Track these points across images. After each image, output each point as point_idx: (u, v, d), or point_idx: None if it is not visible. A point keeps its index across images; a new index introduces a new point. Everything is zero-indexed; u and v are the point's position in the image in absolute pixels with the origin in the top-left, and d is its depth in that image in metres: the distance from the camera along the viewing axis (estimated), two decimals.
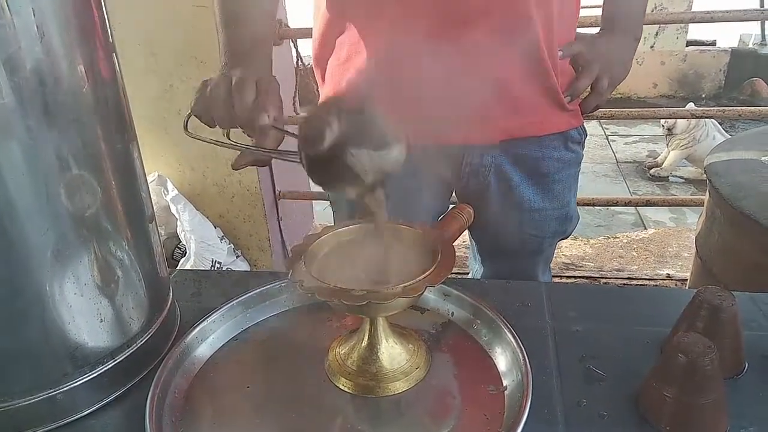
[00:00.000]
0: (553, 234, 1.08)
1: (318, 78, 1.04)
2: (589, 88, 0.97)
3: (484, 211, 1.04)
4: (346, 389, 0.67)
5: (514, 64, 0.89)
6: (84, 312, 0.63)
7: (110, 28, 0.65)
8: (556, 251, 1.22)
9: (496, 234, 1.09)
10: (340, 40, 0.94)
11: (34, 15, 0.53)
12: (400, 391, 0.66)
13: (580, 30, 1.00)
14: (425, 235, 0.68)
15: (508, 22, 0.86)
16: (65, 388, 0.64)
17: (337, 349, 0.70)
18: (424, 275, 0.61)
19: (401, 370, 0.67)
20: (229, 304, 0.77)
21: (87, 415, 0.66)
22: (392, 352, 0.68)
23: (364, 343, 0.68)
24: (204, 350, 0.73)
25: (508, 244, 1.09)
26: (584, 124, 1.05)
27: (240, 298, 0.78)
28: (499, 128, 0.96)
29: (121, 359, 0.68)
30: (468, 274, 1.39)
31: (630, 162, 4.37)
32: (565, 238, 1.13)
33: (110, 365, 0.67)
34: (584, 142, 1.05)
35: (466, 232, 1.18)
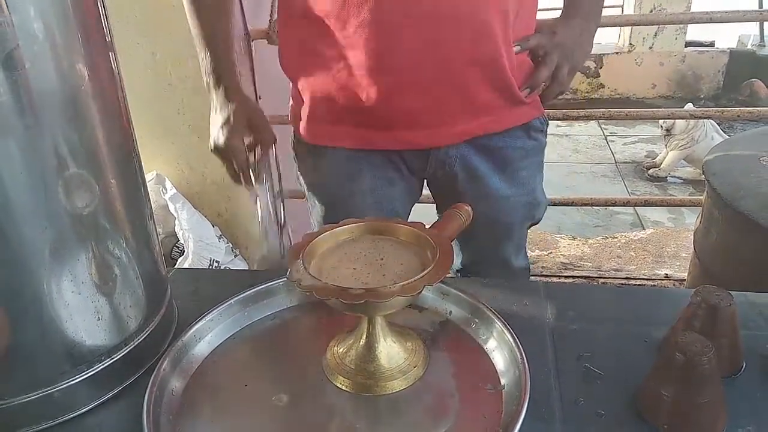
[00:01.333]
0: (521, 220, 1.12)
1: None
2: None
3: (454, 200, 1.06)
4: (344, 388, 0.67)
5: (472, 68, 0.91)
6: (82, 310, 0.63)
7: (109, 26, 0.65)
8: (554, 251, 1.23)
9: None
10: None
11: (32, 13, 0.53)
12: (398, 389, 0.66)
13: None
14: (424, 234, 0.68)
15: (467, 27, 0.87)
16: (63, 386, 0.63)
17: (335, 348, 0.70)
18: (422, 274, 0.61)
19: (399, 368, 0.67)
20: (227, 303, 0.77)
21: (84, 413, 0.66)
22: (390, 351, 0.68)
23: (362, 341, 0.68)
24: (202, 349, 0.73)
25: (480, 231, 1.10)
26: (545, 112, 1.08)
27: (238, 297, 0.78)
28: (459, 131, 0.99)
29: (118, 357, 0.68)
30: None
31: (628, 162, 4.37)
32: (536, 224, 1.16)
33: (108, 363, 0.67)
34: (546, 130, 1.09)
35: None
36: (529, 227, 1.17)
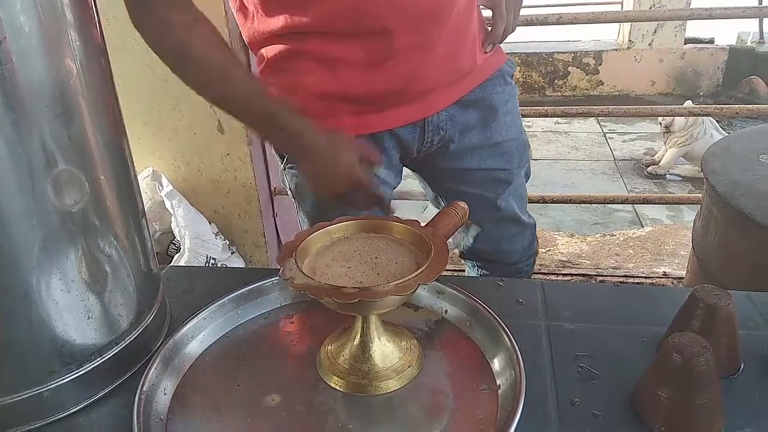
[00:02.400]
0: (518, 164, 1.15)
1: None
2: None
3: (450, 163, 1.12)
4: (337, 387, 0.66)
5: (453, 35, 0.96)
6: (71, 309, 0.62)
7: (99, 20, 0.64)
8: (552, 249, 1.22)
9: (466, 182, 1.14)
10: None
11: (19, 6, 0.52)
12: (392, 389, 0.65)
13: None
14: (418, 232, 0.67)
15: (441, 17, 0.93)
16: (52, 386, 0.63)
17: (329, 347, 0.70)
18: (416, 273, 0.60)
19: (393, 368, 0.67)
20: (220, 301, 0.76)
21: (74, 412, 0.65)
22: (384, 351, 0.67)
23: (356, 341, 0.67)
24: (194, 348, 0.73)
25: (481, 186, 1.14)
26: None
27: (231, 295, 0.77)
28: (450, 94, 1.03)
29: (109, 356, 0.67)
30: (464, 271, 1.38)
31: (627, 160, 4.36)
32: (528, 175, 1.21)
33: (98, 362, 0.66)
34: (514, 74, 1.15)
35: (441, 201, 1.20)
36: (526, 180, 1.21)
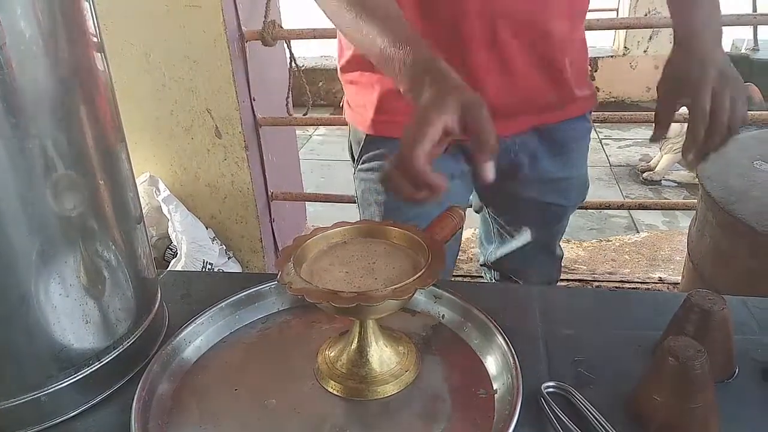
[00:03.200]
0: (575, 201, 1.14)
1: (345, 83, 1.04)
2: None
3: (510, 186, 1.08)
4: (335, 392, 0.66)
5: (535, 73, 0.93)
6: (69, 313, 0.62)
7: (98, 26, 0.64)
8: None
9: (521, 208, 1.13)
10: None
11: (19, 11, 0.52)
12: (389, 394, 0.66)
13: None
14: (416, 237, 0.68)
15: (530, 37, 0.89)
16: (50, 390, 0.63)
17: (327, 352, 0.70)
18: (414, 277, 0.60)
19: (391, 372, 0.67)
20: (218, 306, 0.77)
21: (72, 417, 0.65)
22: (382, 355, 0.67)
23: (354, 345, 0.67)
24: (192, 352, 0.73)
25: (533, 216, 1.13)
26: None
27: (229, 300, 0.78)
28: (527, 121, 0.99)
29: (107, 361, 0.67)
30: (463, 275, 1.39)
31: (623, 166, 4.37)
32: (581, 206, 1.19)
33: (96, 367, 0.66)
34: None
35: (484, 211, 1.20)
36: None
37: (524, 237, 1.19)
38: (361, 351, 0.67)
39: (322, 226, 0.71)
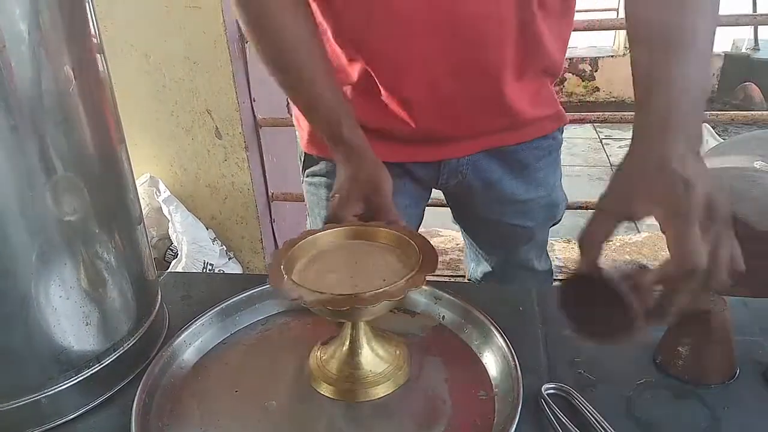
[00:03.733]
0: (543, 222, 1.08)
1: None
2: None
3: (471, 207, 1.05)
4: (327, 395, 0.66)
5: (473, 104, 0.89)
6: (70, 315, 0.62)
7: (98, 27, 0.64)
8: (549, 254, 1.22)
9: (486, 229, 1.10)
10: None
11: (18, 13, 0.52)
12: (381, 395, 0.65)
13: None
14: (405, 237, 0.68)
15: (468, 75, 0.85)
16: (50, 392, 0.63)
17: (318, 354, 0.70)
18: (406, 277, 0.60)
19: (383, 374, 0.66)
20: (218, 307, 0.77)
21: (72, 419, 0.65)
22: (374, 356, 0.67)
23: (346, 347, 0.67)
24: (192, 354, 0.73)
25: (500, 237, 1.09)
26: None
27: (229, 302, 0.78)
28: (473, 144, 0.95)
29: (107, 363, 0.67)
30: (463, 276, 1.39)
31: None
32: (557, 224, 1.12)
33: (96, 369, 0.66)
34: (563, 127, 1.03)
35: (461, 231, 1.19)
36: (551, 227, 1.14)
37: (494, 257, 1.16)
38: (353, 353, 0.67)
39: (312, 229, 0.71)
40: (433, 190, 1.07)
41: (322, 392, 0.66)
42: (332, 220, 0.76)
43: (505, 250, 1.13)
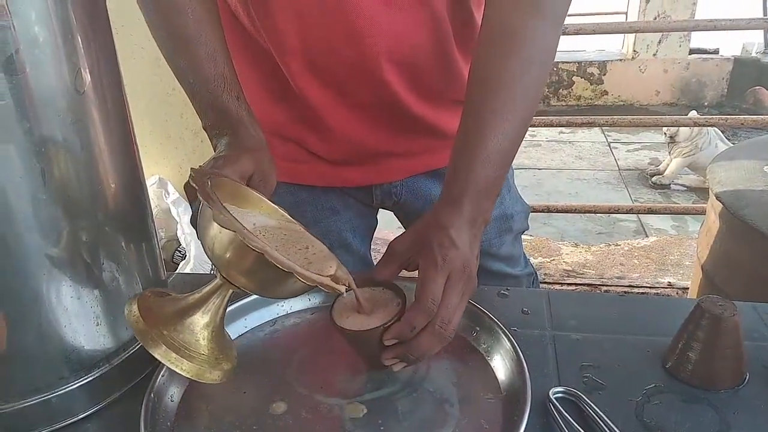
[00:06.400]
0: (498, 234, 1.02)
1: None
2: None
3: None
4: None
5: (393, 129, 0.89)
6: (81, 315, 0.63)
7: (111, 30, 0.65)
8: (557, 258, 1.21)
9: None
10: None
11: (33, 17, 0.53)
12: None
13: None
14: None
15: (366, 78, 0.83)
16: (60, 392, 0.63)
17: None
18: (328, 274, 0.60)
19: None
20: (227, 309, 0.77)
21: (82, 419, 0.65)
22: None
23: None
24: None
25: None
26: None
27: (238, 303, 0.78)
28: (397, 169, 0.94)
29: (117, 363, 0.67)
30: None
31: (632, 169, 4.37)
32: (522, 233, 1.09)
33: (106, 369, 0.66)
34: None
35: None
36: (521, 234, 1.10)
37: None
38: (195, 321, 0.63)
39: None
40: None
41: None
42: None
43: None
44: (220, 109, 0.75)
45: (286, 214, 0.69)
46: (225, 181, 0.65)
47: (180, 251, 2.11)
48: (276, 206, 0.69)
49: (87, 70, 0.59)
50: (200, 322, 0.62)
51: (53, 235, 0.59)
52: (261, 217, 0.67)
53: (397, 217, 1.07)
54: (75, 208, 0.60)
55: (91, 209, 0.62)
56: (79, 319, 0.63)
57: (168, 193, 2.05)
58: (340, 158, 0.91)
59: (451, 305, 0.62)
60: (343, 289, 0.60)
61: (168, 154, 2.07)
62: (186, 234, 2.01)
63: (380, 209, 1.05)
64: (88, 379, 0.65)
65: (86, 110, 0.59)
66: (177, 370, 0.59)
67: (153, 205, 2.05)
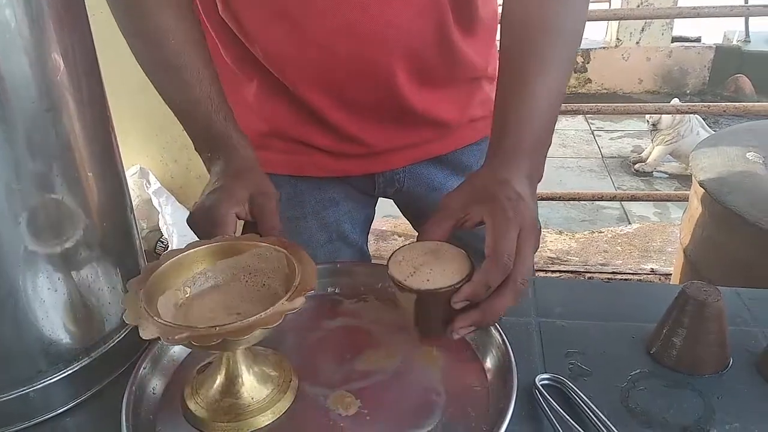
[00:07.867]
0: None
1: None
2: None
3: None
4: None
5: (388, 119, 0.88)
6: (58, 308, 0.61)
7: (87, 16, 0.63)
8: (541, 246, 1.21)
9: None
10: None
11: (4, 1, 0.51)
12: (267, 423, 0.60)
13: None
14: (281, 250, 0.61)
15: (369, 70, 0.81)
16: (39, 386, 0.62)
17: (194, 385, 0.63)
18: (282, 300, 0.55)
19: (266, 399, 0.61)
20: None
21: (61, 413, 0.64)
22: (254, 381, 0.61)
23: (221, 378, 0.61)
24: (182, 347, 0.72)
25: (458, 239, 1.07)
26: None
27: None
28: (399, 158, 0.93)
29: (97, 356, 0.66)
30: None
31: (615, 157, 4.39)
32: None
33: (86, 362, 0.65)
34: None
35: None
36: None
37: None
38: (231, 381, 0.61)
39: (175, 249, 0.63)
40: None
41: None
42: (209, 221, 0.69)
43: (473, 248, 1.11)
44: (209, 132, 0.77)
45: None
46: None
47: (162, 242, 2.09)
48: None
49: (60, 55, 0.57)
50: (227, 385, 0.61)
51: (28, 226, 0.57)
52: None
53: (398, 205, 1.07)
54: (50, 199, 0.58)
55: (67, 199, 0.60)
56: (56, 311, 0.61)
57: (149, 183, 2.02)
58: (342, 152, 0.91)
59: (528, 260, 0.59)
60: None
61: (149, 143, 2.04)
62: (168, 225, 1.99)
63: (379, 198, 1.04)
64: (67, 373, 0.63)
65: (61, 96, 0.58)
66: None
67: (134, 196, 2.03)
